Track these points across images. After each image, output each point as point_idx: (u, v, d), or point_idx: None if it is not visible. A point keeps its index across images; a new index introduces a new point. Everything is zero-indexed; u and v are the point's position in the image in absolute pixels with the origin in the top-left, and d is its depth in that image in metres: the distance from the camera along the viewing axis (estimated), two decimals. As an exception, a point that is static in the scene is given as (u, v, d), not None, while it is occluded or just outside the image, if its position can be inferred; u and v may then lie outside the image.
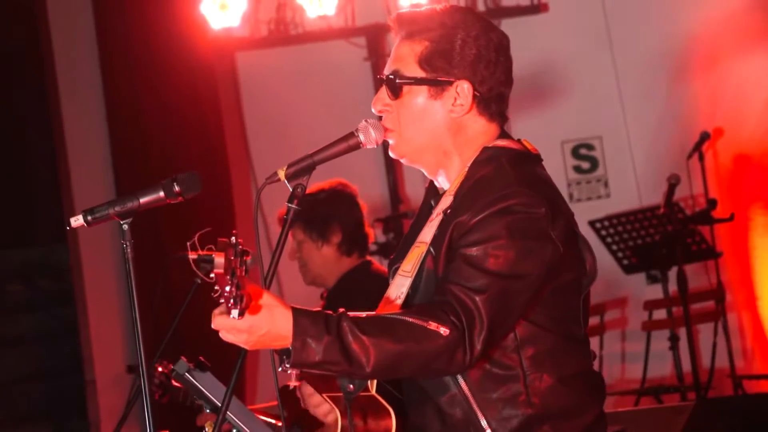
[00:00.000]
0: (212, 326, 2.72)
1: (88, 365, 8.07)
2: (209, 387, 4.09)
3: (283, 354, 2.79)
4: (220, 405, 4.01)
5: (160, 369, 4.90)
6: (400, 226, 8.16)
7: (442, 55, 3.04)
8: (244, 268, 2.60)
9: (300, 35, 8.48)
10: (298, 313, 2.75)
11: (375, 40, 8.61)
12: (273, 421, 4.69)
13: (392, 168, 8.54)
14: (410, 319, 2.79)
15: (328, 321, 2.76)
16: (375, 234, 7.83)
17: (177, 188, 3.19)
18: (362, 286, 5.22)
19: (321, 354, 2.73)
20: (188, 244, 2.71)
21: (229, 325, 2.70)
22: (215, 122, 8.25)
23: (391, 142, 3.10)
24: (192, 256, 4.92)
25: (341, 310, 2.81)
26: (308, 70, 8.67)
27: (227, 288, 2.56)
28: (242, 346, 2.77)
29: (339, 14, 8.39)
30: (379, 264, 5.77)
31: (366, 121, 3.05)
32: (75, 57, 8.25)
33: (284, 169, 2.98)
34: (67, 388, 8.44)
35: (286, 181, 2.97)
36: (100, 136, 8.20)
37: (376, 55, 8.61)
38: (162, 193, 3.19)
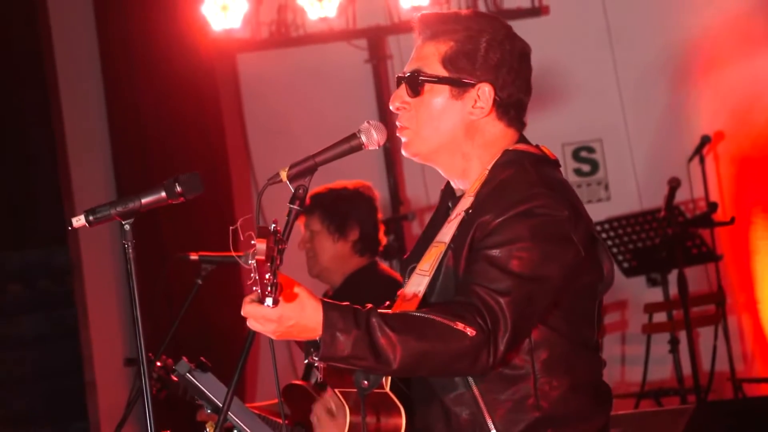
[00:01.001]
0: (242, 313, 2.72)
1: (88, 366, 8.06)
2: (210, 387, 4.09)
3: (310, 346, 2.79)
4: (221, 405, 4.02)
5: (159, 364, 4.91)
6: (401, 228, 8.17)
7: (466, 55, 3.05)
8: (280, 257, 2.59)
9: (301, 37, 8.49)
10: (327, 306, 2.75)
11: (376, 42, 8.61)
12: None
13: (392, 170, 8.53)
14: (438, 318, 2.79)
15: (357, 315, 2.76)
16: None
17: (179, 189, 3.18)
18: (370, 287, 5.24)
19: (350, 348, 2.74)
20: (231, 229, 2.70)
21: (260, 314, 2.70)
22: (216, 123, 8.26)
23: (404, 139, 3.11)
24: (193, 256, 4.95)
25: (369, 305, 2.81)
26: (309, 71, 8.67)
27: (267, 275, 2.55)
28: (269, 335, 2.76)
29: (340, 16, 8.40)
30: (386, 265, 5.79)
31: (368, 122, 3.05)
32: (76, 58, 8.25)
33: (286, 169, 2.97)
34: (67, 389, 8.43)
35: (288, 182, 2.97)
36: (101, 137, 8.21)
37: (377, 57, 8.61)
38: (164, 194, 3.19)
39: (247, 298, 2.70)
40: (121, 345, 7.99)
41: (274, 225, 2.59)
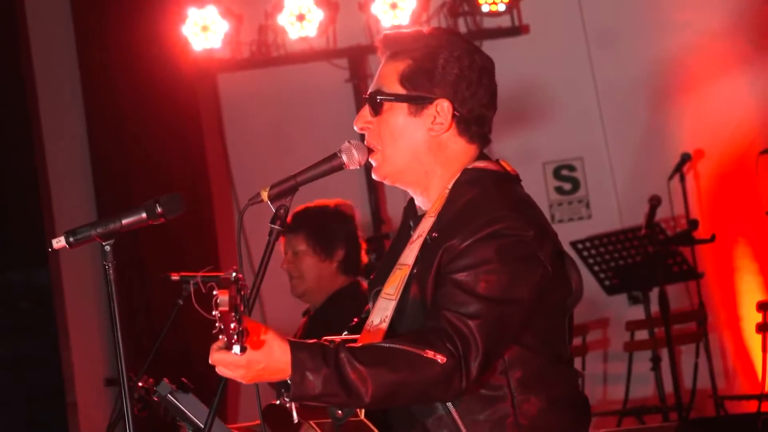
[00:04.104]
0: (210, 361, 2.71)
1: (69, 387, 8.03)
2: (192, 408, 4.07)
3: (281, 387, 2.78)
4: (202, 427, 4.00)
5: (140, 384, 4.88)
6: (382, 246, 8.15)
7: (423, 73, 3.05)
8: (243, 304, 2.58)
9: (282, 57, 8.49)
10: (295, 347, 2.74)
11: (357, 62, 8.62)
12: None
13: (374, 189, 8.53)
14: (407, 348, 2.78)
15: (325, 353, 2.75)
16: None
17: (159, 209, 3.17)
18: (351, 307, 5.21)
19: (320, 387, 2.73)
20: (191, 282, 2.69)
21: (228, 361, 2.69)
22: (197, 143, 8.25)
23: (374, 163, 3.10)
24: (174, 276, 4.93)
25: (338, 340, 2.80)
26: (290, 91, 8.67)
27: (232, 325, 2.54)
28: (240, 380, 2.75)
29: (321, 36, 8.41)
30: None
31: (349, 142, 3.05)
32: (56, 78, 8.24)
33: (267, 189, 2.97)
34: (49, 410, 8.40)
35: (269, 202, 2.97)
36: (81, 158, 8.19)
37: (358, 76, 8.62)
38: (144, 215, 3.18)
39: (215, 346, 2.69)
40: (103, 366, 7.95)
41: (234, 273, 2.58)
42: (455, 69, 3.04)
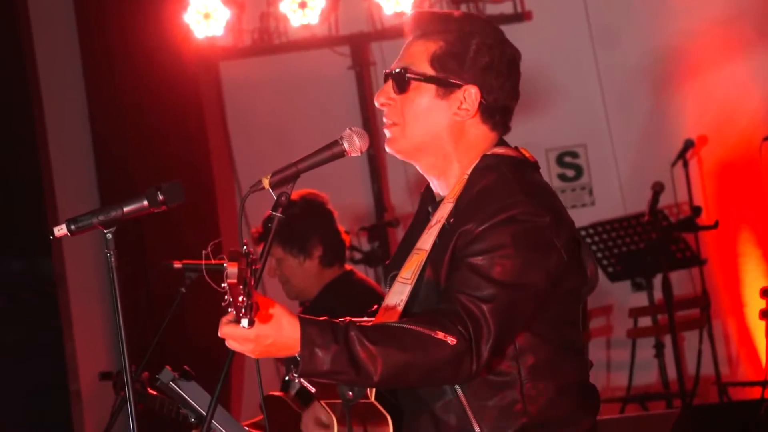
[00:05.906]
0: (219, 334, 2.70)
1: (73, 376, 8.03)
2: (194, 396, 4.06)
3: (290, 363, 2.78)
4: (205, 414, 3.99)
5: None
6: (385, 234, 8.15)
7: (454, 57, 3.04)
8: (253, 278, 2.58)
9: (284, 44, 8.49)
10: (305, 323, 2.73)
11: (359, 49, 8.60)
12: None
13: (377, 176, 8.53)
14: (417, 328, 2.77)
15: (335, 330, 2.74)
16: (360, 242, 7.84)
17: (161, 197, 3.17)
18: (345, 297, 5.20)
19: (329, 363, 2.72)
20: (203, 253, 2.68)
21: (237, 334, 2.68)
22: (199, 131, 8.24)
23: (389, 134, 3.09)
24: (177, 264, 4.92)
25: (348, 318, 2.80)
26: (292, 79, 8.67)
27: (240, 298, 2.54)
28: (248, 355, 2.74)
29: (323, 23, 8.40)
30: (362, 273, 5.74)
31: (350, 129, 3.04)
32: (58, 66, 8.23)
33: (268, 177, 2.96)
34: (52, 401, 8.39)
35: (270, 190, 2.96)
36: (83, 146, 8.18)
37: (360, 63, 8.61)
38: (145, 202, 3.17)
39: (224, 319, 2.69)
40: (106, 354, 7.96)
41: (245, 247, 2.58)
42: (486, 57, 3.05)
